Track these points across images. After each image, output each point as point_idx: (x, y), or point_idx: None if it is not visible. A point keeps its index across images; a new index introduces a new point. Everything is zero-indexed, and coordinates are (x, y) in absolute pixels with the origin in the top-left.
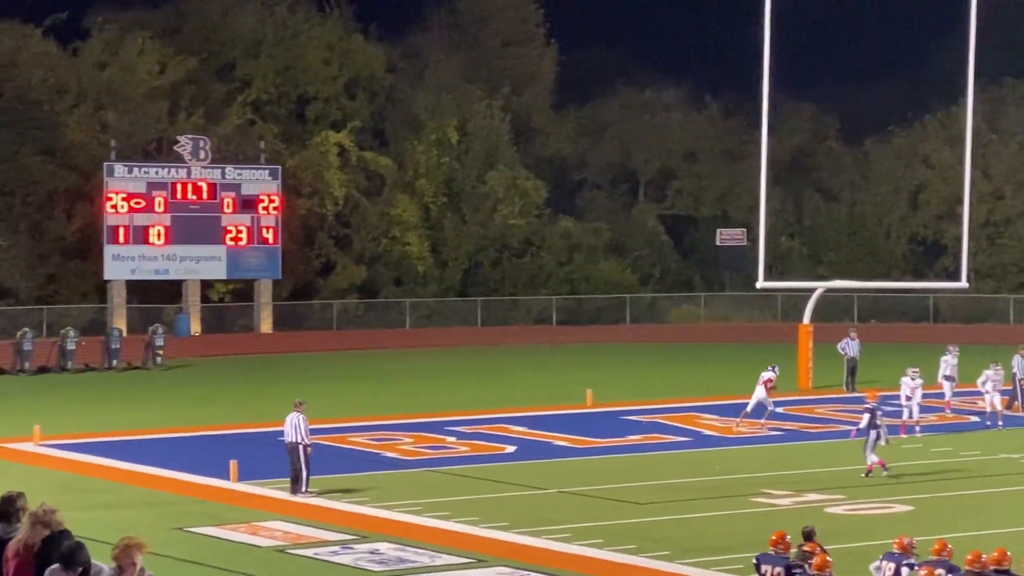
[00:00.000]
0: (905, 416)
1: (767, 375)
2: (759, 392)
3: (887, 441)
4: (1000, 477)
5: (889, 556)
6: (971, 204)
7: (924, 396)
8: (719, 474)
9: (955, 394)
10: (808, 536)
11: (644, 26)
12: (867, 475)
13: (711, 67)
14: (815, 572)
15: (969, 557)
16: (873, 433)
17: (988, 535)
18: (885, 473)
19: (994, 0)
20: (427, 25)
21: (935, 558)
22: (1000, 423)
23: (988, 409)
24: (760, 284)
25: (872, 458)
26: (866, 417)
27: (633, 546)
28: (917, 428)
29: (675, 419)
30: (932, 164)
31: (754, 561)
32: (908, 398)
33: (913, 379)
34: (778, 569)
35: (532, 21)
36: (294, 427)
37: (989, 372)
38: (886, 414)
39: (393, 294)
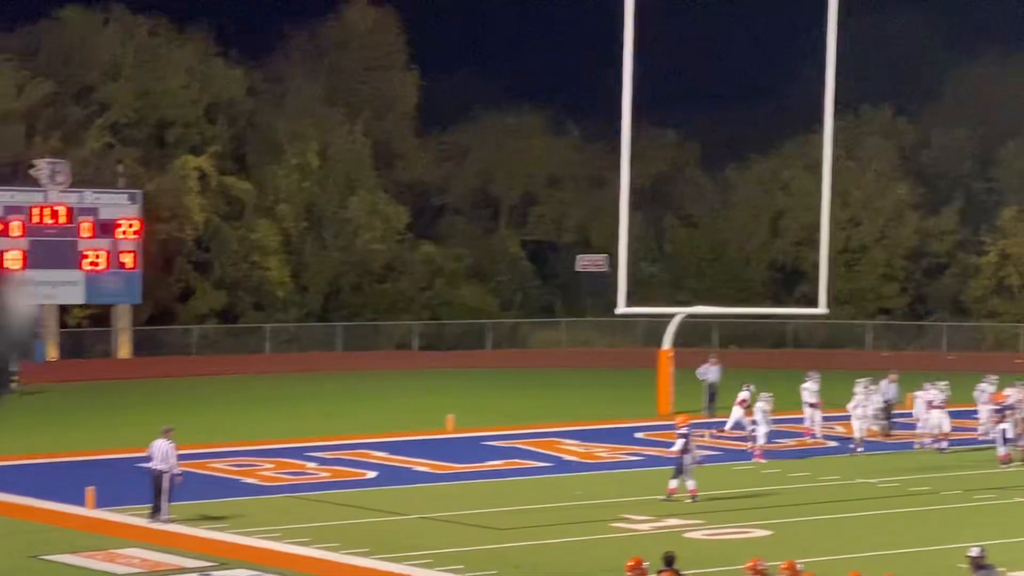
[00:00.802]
0: (761, 441)
1: (742, 395)
2: (736, 412)
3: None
4: (858, 502)
5: None
6: (829, 231)
7: (780, 421)
8: (579, 499)
9: (824, 418)
10: (669, 562)
11: (505, 51)
12: (668, 499)
13: (572, 92)
14: None
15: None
16: (687, 458)
17: (845, 559)
18: (690, 501)
19: (852, 29)
20: (288, 49)
21: None
22: (861, 448)
23: (856, 434)
24: (621, 310)
25: (689, 483)
26: (680, 442)
27: (494, 571)
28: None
29: (536, 444)
30: (791, 191)
31: None
32: (764, 423)
33: (766, 403)
34: None
35: (394, 46)
36: (162, 455)
37: (859, 397)
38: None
39: (253, 319)
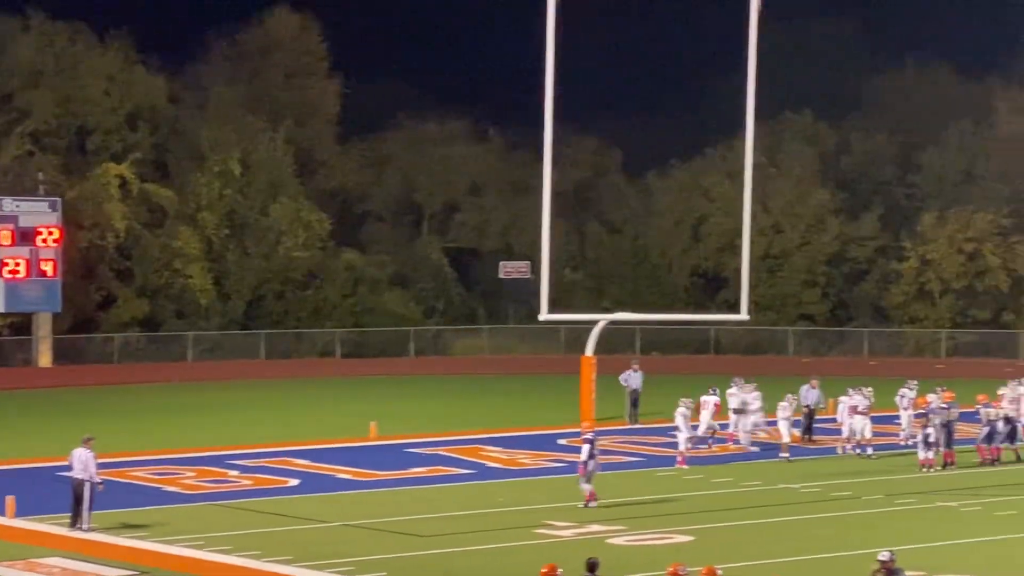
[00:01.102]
0: (681, 447)
1: (711, 399)
2: (705, 417)
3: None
4: (780, 507)
5: None
6: (751, 237)
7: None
8: (503, 506)
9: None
10: (592, 568)
11: (426, 58)
12: (586, 505)
13: (494, 100)
14: None
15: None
16: (592, 463)
17: (766, 564)
18: (593, 505)
19: (773, 35)
20: (209, 56)
21: None
22: (786, 454)
23: (784, 439)
24: (543, 316)
25: (586, 487)
26: (586, 448)
27: None
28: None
29: (459, 451)
30: (713, 197)
31: None
32: (686, 429)
33: (687, 408)
34: None
35: (315, 53)
36: (82, 464)
37: (783, 403)
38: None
39: (175, 327)
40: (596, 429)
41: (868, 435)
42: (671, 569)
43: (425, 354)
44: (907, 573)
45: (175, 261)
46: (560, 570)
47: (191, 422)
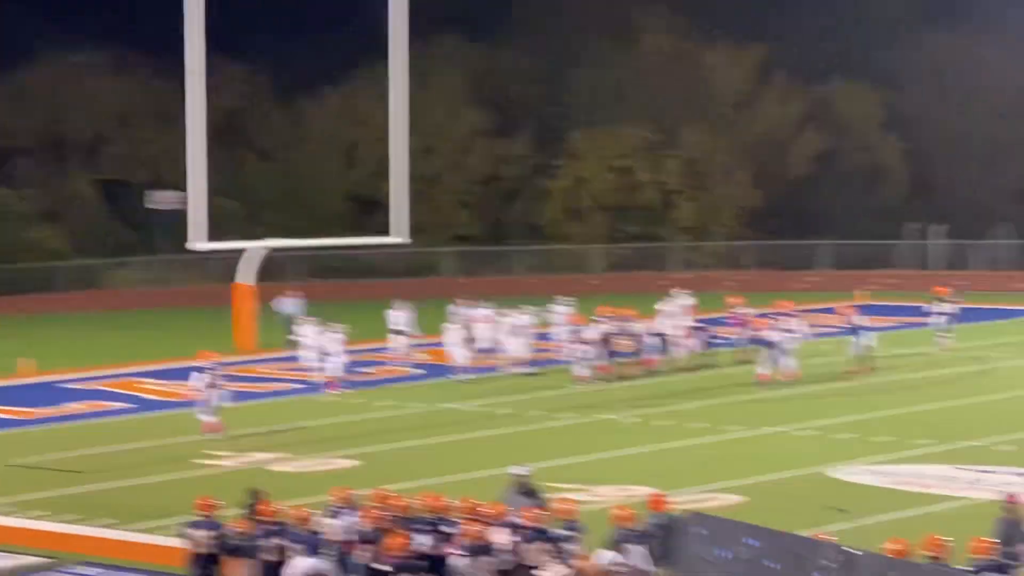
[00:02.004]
0: (332, 372)
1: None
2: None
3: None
4: (443, 427)
5: (332, 511)
6: (403, 160)
7: (365, 350)
8: (162, 438)
9: (412, 346)
10: (254, 496)
11: None
12: (207, 435)
13: (139, 28)
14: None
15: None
16: (213, 393)
17: (431, 483)
18: (215, 436)
19: None
20: None
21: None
22: (455, 374)
23: (457, 362)
24: (197, 246)
25: (206, 418)
26: (204, 378)
27: (79, 516)
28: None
29: (116, 385)
30: (365, 121)
31: (184, 528)
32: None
33: (337, 334)
34: (212, 532)
35: None
36: None
37: (452, 325)
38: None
39: None
40: (229, 359)
41: (525, 354)
42: (339, 493)
43: (77, 289)
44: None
45: None
46: (223, 502)
47: None
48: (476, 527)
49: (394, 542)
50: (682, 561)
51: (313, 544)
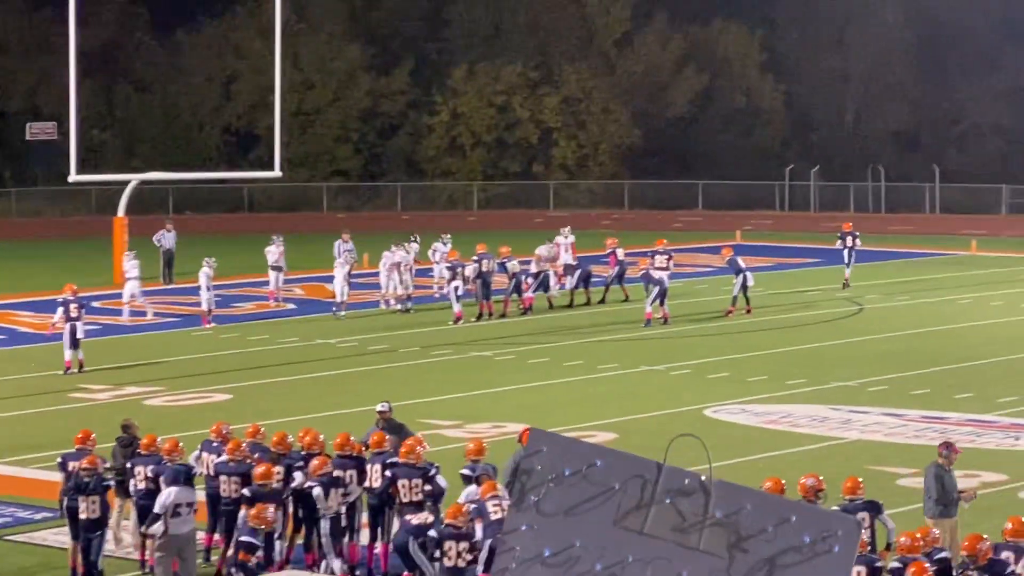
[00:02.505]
0: (204, 306)
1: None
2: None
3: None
4: (317, 362)
5: (207, 445)
6: (282, 94)
7: (240, 284)
8: (36, 371)
9: (285, 282)
10: (126, 429)
11: None
12: (67, 372)
13: None
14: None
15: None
16: (77, 327)
17: (304, 419)
18: (74, 372)
19: None
20: None
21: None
22: (338, 310)
23: (341, 297)
24: (73, 178)
25: (69, 353)
26: (60, 311)
27: None
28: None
29: None
30: (243, 54)
31: (59, 460)
32: (208, 288)
33: (209, 268)
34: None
35: None
36: None
37: (340, 259)
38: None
39: None
40: (90, 293)
41: (403, 291)
42: (215, 427)
43: None
44: (441, 423)
45: None
46: (94, 435)
47: None
48: (323, 460)
49: (258, 472)
50: (525, 479)
51: (186, 473)
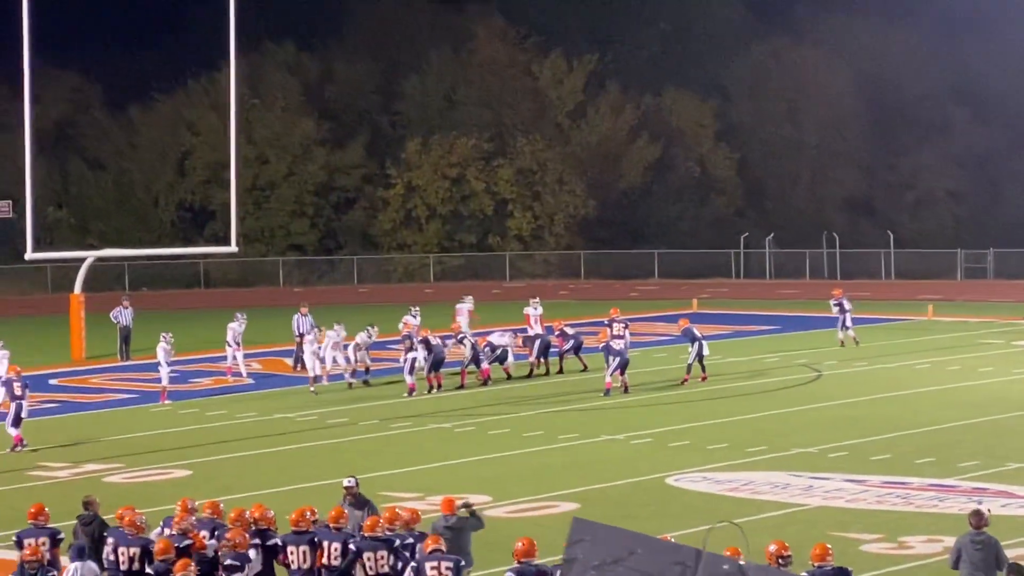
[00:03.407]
0: (164, 382)
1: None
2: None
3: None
4: (277, 437)
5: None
6: (238, 169)
7: (198, 360)
8: None
9: (245, 356)
10: (87, 506)
11: None
12: (13, 450)
13: None
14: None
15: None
16: (15, 406)
17: (266, 494)
18: (19, 450)
19: None
20: None
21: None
22: (312, 384)
23: (314, 372)
24: (29, 256)
25: (12, 431)
26: (2, 390)
27: None
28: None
29: None
30: (197, 130)
31: (14, 538)
32: (166, 364)
33: (167, 343)
34: (43, 539)
35: None
36: None
37: (310, 336)
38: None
39: None
40: (27, 374)
41: (360, 363)
42: (180, 503)
43: None
44: (402, 495)
45: None
46: (48, 509)
47: None
48: (237, 535)
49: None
50: (569, 569)
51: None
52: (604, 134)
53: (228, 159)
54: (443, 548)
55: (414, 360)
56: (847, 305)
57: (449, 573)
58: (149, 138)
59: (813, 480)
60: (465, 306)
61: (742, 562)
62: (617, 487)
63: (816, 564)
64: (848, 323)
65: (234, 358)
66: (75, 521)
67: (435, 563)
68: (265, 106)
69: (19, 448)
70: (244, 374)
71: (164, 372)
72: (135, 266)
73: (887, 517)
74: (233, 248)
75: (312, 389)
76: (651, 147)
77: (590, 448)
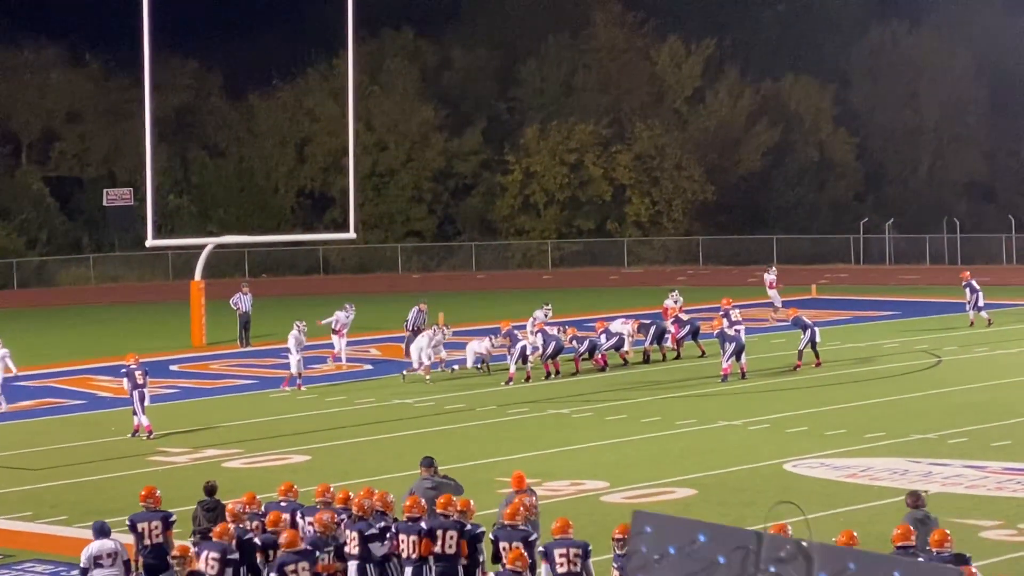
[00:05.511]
0: (293, 369)
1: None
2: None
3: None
4: (395, 422)
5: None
6: (356, 156)
7: (318, 346)
8: (115, 435)
9: (349, 343)
10: (209, 492)
11: None
12: (134, 435)
13: (91, 24)
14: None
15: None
16: (136, 394)
17: (384, 479)
18: (148, 437)
19: None
20: None
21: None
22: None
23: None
24: (149, 243)
25: (137, 419)
26: (127, 381)
27: (30, 513)
28: (299, 381)
29: (68, 382)
30: (317, 117)
31: (128, 522)
32: (297, 351)
33: (300, 331)
34: (155, 523)
35: None
36: None
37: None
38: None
39: None
40: (143, 360)
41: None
42: (283, 487)
43: (29, 286)
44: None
45: None
46: (159, 491)
47: None
48: (326, 515)
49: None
50: (632, 561)
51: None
52: (722, 119)
53: (347, 146)
54: (570, 534)
55: (523, 348)
56: (976, 286)
57: (578, 561)
58: (268, 125)
59: (932, 466)
60: (675, 304)
61: (804, 543)
62: (734, 473)
63: (935, 550)
64: (980, 303)
65: (342, 345)
66: (196, 506)
67: (563, 549)
68: (384, 92)
69: (147, 436)
70: (343, 360)
71: (293, 360)
72: (255, 253)
73: (1007, 504)
74: (352, 234)
75: (404, 373)
76: (770, 132)
77: (707, 434)
